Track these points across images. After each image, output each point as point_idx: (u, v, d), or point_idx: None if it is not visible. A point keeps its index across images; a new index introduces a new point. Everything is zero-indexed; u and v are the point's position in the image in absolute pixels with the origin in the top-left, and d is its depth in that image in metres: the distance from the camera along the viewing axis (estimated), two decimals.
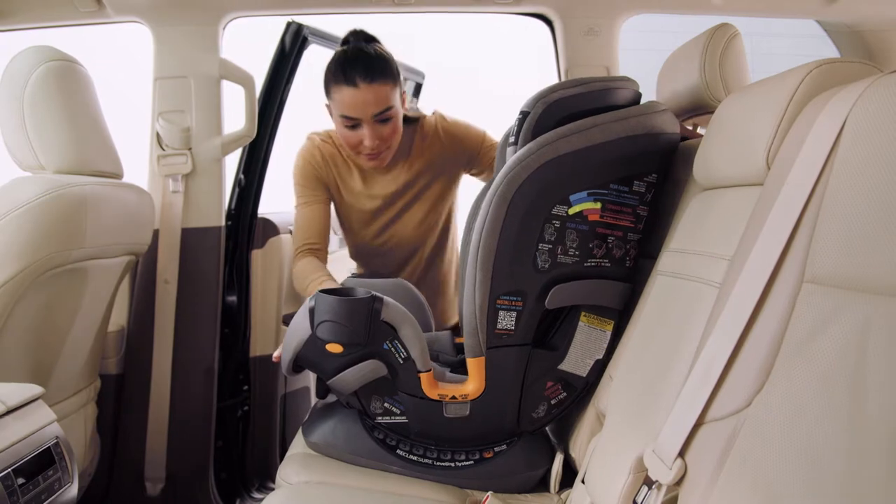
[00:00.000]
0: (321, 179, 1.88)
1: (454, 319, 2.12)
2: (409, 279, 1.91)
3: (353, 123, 1.66)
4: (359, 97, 1.63)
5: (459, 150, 1.90)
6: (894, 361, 0.65)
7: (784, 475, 0.72)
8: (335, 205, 1.94)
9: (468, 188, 2.01)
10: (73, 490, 1.18)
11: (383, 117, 1.67)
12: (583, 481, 1.24)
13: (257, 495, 2.18)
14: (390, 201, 1.91)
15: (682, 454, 0.89)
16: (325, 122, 1.91)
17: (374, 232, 1.95)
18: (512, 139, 1.39)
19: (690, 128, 1.58)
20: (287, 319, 2.24)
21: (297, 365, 1.40)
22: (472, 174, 1.99)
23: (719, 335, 0.88)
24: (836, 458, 0.67)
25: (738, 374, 0.84)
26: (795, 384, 0.75)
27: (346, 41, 1.75)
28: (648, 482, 0.94)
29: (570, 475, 1.40)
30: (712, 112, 1.24)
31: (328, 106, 1.76)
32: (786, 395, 0.76)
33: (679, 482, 0.89)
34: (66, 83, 1.52)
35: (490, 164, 1.91)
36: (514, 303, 1.34)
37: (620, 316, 1.40)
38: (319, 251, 1.86)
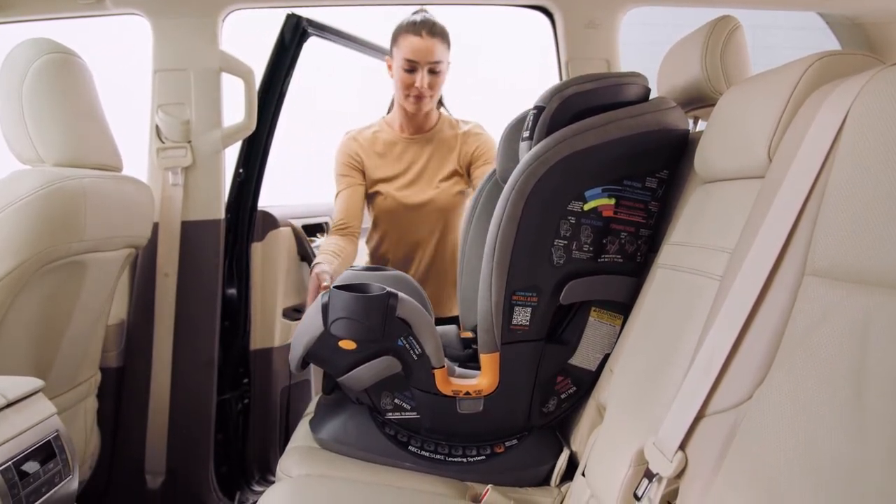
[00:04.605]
0: (354, 162, 2.11)
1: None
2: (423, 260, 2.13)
3: (412, 67, 1.97)
4: (421, 45, 1.96)
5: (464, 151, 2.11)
6: (895, 355, 0.65)
7: (785, 468, 0.72)
8: (368, 175, 2.13)
9: None
10: (73, 483, 1.18)
11: (434, 68, 1.98)
12: (583, 474, 1.24)
13: (257, 488, 2.18)
14: (415, 165, 2.12)
15: (682, 447, 0.89)
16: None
17: (404, 194, 2.11)
18: (526, 133, 1.38)
19: (691, 121, 1.57)
20: (287, 312, 2.24)
21: (306, 361, 1.39)
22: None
23: (720, 328, 0.88)
24: (837, 451, 0.67)
25: (740, 366, 0.84)
26: (797, 377, 0.75)
27: (416, 12, 2.06)
28: (649, 475, 0.94)
29: (570, 468, 1.40)
30: (713, 105, 1.24)
31: (388, 61, 2.06)
32: (787, 388, 0.76)
33: (680, 475, 0.89)
34: (65, 76, 1.51)
35: (473, 184, 2.08)
36: (529, 298, 1.34)
37: (628, 310, 1.40)
38: (345, 229, 2.07)
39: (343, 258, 1.98)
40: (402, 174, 2.10)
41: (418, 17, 1.99)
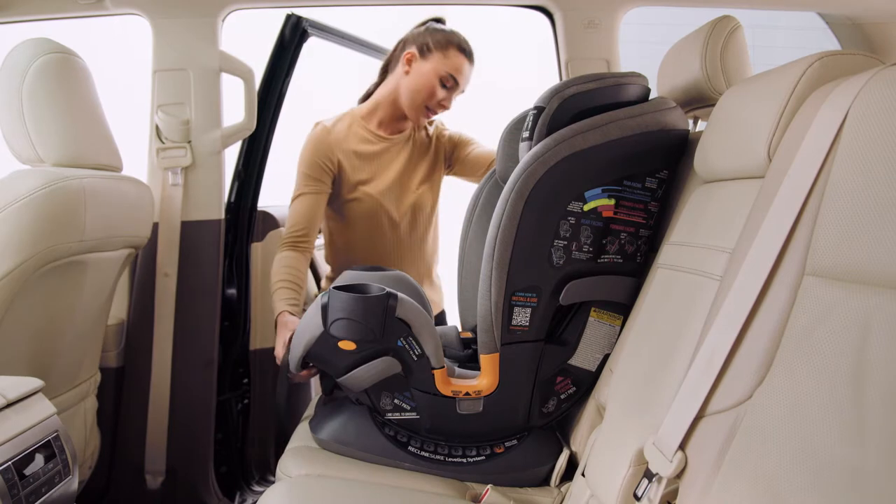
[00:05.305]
0: (329, 164, 1.88)
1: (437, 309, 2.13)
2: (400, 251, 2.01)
3: (451, 85, 1.90)
4: (467, 70, 1.92)
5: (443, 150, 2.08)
6: (894, 354, 0.65)
7: (785, 467, 0.72)
8: (347, 177, 1.92)
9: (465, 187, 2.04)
10: (73, 483, 1.18)
11: (460, 94, 1.96)
12: (583, 474, 1.24)
13: (257, 488, 2.18)
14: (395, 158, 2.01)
15: (682, 447, 0.89)
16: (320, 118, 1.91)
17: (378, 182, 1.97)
18: (526, 134, 1.38)
19: (691, 121, 1.57)
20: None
21: (306, 362, 1.39)
22: (451, 174, 2.11)
23: (720, 328, 0.88)
24: (836, 450, 0.67)
25: (740, 366, 0.84)
26: (796, 377, 0.75)
27: (440, 20, 1.98)
28: (649, 475, 0.94)
29: (570, 468, 1.40)
30: (713, 105, 1.24)
31: (412, 55, 1.90)
32: (787, 388, 0.76)
33: (679, 475, 0.89)
34: (65, 75, 1.51)
35: (470, 168, 2.04)
36: (529, 299, 1.33)
37: (628, 311, 1.40)
38: (300, 242, 1.83)
39: (304, 288, 1.79)
40: (381, 176, 1.96)
41: (463, 38, 1.93)
